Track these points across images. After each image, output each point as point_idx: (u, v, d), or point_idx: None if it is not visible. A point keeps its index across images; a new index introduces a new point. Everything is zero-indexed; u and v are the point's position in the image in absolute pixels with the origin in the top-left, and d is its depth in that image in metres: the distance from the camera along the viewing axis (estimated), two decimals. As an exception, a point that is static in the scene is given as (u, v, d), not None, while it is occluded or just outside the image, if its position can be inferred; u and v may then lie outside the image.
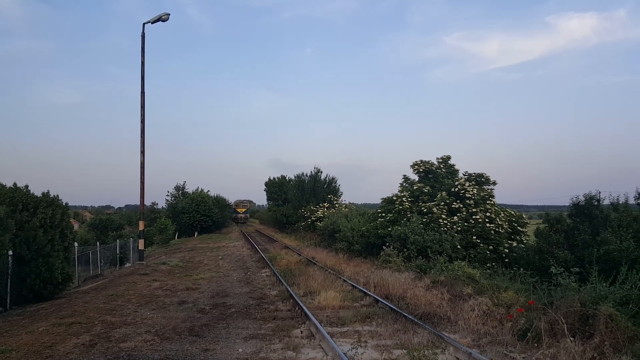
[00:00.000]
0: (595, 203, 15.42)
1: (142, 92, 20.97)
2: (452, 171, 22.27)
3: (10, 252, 11.78)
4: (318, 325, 7.82)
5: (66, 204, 16.51)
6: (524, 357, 6.48)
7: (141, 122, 20.88)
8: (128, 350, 6.97)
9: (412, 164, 22.58)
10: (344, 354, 6.25)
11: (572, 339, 6.55)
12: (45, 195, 15.09)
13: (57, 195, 15.60)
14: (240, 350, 6.99)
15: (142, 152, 20.94)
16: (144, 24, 20.93)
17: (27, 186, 14.38)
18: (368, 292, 11.19)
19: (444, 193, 19.65)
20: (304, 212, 39.05)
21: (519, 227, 19.64)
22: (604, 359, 6.08)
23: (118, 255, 27.14)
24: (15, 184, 14.13)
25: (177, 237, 46.43)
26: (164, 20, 20.81)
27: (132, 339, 7.59)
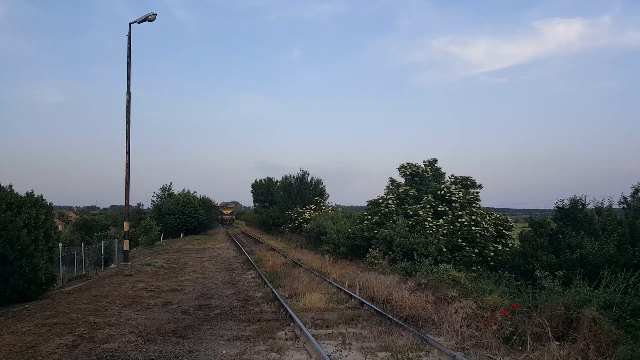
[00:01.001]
0: (580, 207, 15.65)
1: (128, 92, 20.80)
2: (438, 174, 22.44)
3: (-7, 252, 11.59)
4: (302, 327, 7.81)
5: (50, 204, 16.32)
6: (507, 360, 6.53)
7: (127, 122, 20.70)
8: (111, 351, 6.89)
9: (398, 166, 22.73)
10: (328, 356, 6.25)
11: (557, 342, 6.62)
12: (29, 195, 14.89)
13: (41, 195, 15.42)
14: (224, 351, 6.96)
15: (128, 153, 20.76)
16: (130, 23, 20.78)
17: (10, 186, 14.18)
18: (353, 295, 11.21)
19: (430, 196, 19.80)
20: (290, 214, 39.00)
21: (504, 231, 19.86)
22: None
23: (103, 256, 26.79)
24: (-2, 184, 13.91)
25: (163, 239, 46.03)
26: (150, 20, 20.66)
27: (116, 340, 7.52)
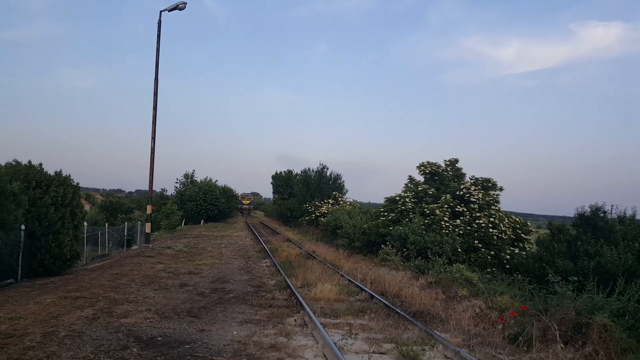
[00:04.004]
0: (601, 215, 15.39)
1: (156, 79, 21.27)
2: (458, 174, 22.31)
3: (23, 227, 12.18)
4: (311, 315, 8.01)
5: (77, 184, 16.87)
6: None
7: (153, 108, 21.21)
8: (128, 326, 7.24)
9: (418, 164, 22.68)
10: (335, 343, 6.43)
11: (562, 345, 6.64)
12: (58, 174, 15.44)
13: (69, 175, 15.97)
14: (234, 332, 7.22)
15: (153, 138, 21.30)
16: (161, 11, 21.23)
17: (40, 164, 14.74)
18: (364, 288, 11.36)
19: (448, 196, 19.72)
20: (308, 207, 39.26)
21: (522, 235, 19.64)
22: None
23: (125, 237, 27.63)
24: (29, 162, 14.50)
25: (184, 224, 46.97)
26: (180, 9, 21.06)
27: (133, 316, 7.86)
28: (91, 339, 6.45)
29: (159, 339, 6.66)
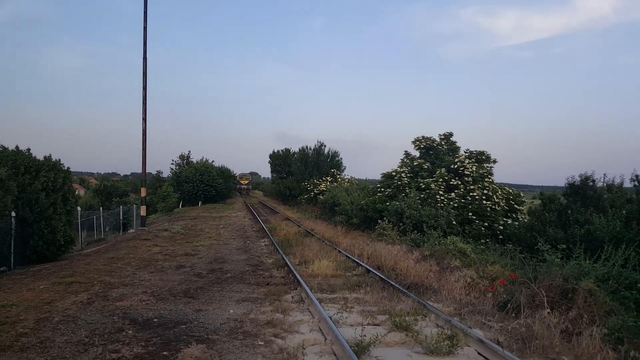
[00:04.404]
0: (590, 183, 15.50)
1: (145, 58, 20.94)
2: (453, 148, 22.34)
3: (13, 214, 12.11)
4: (308, 291, 8.13)
5: (68, 168, 16.76)
6: (500, 326, 6.74)
7: (143, 88, 20.95)
8: (124, 309, 7.31)
9: (413, 140, 22.67)
10: (330, 317, 6.54)
11: (549, 311, 6.80)
12: (47, 159, 15.31)
13: (59, 160, 15.83)
14: (231, 311, 7.33)
15: (144, 119, 21.11)
16: (146, -14, 20.69)
17: (29, 149, 14.60)
18: (361, 263, 11.50)
19: (443, 170, 19.78)
20: (306, 185, 39.32)
21: (516, 205, 19.82)
22: (577, 330, 6.31)
23: (121, 221, 27.70)
24: (17, 147, 14.33)
25: (181, 206, 47.04)
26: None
27: (129, 299, 7.93)
28: (86, 323, 6.51)
29: (155, 320, 6.75)
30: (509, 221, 18.26)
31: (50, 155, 15.42)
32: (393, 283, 9.02)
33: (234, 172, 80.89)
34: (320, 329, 6.36)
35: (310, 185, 38.53)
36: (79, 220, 21.10)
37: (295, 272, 10.04)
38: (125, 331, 6.21)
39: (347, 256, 12.78)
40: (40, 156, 14.94)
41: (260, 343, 5.79)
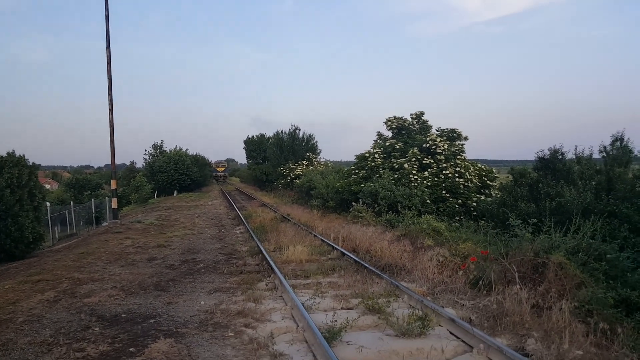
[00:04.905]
0: (560, 156, 15.76)
1: (108, 47, 20.22)
2: (425, 127, 22.40)
3: (-23, 213, 11.70)
4: (281, 277, 8.04)
5: (33, 163, 16.26)
6: (472, 304, 6.80)
7: (108, 79, 20.27)
8: (91, 305, 7.11)
9: (385, 120, 22.63)
10: (302, 304, 6.48)
11: (520, 286, 6.88)
12: (11, 155, 14.84)
13: (23, 155, 15.36)
14: (202, 302, 7.20)
15: (111, 110, 20.48)
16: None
17: (-8, 147, 14.13)
18: (336, 246, 11.47)
19: (415, 149, 19.85)
20: (282, 170, 39.07)
21: (488, 182, 20.08)
22: (547, 304, 6.39)
23: (94, 215, 27.08)
24: (-21, 146, 13.86)
25: (156, 197, 46.24)
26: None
27: (97, 294, 7.72)
28: (51, 322, 6.31)
29: (123, 315, 6.57)
30: (482, 197, 18.50)
31: (13, 151, 14.94)
32: (367, 265, 9.02)
33: (210, 160, 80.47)
34: (293, 316, 6.30)
35: (286, 170, 38.31)
36: (49, 216, 20.52)
37: (269, 258, 9.94)
38: (92, 328, 6.04)
39: (322, 240, 12.73)
40: (13, 153, 14.50)
41: (231, 334, 5.70)
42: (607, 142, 19.12)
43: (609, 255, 7.79)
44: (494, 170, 21.20)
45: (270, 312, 6.58)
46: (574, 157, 15.81)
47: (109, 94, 20.32)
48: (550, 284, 7.05)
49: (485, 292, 7.16)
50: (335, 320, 5.57)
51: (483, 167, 20.66)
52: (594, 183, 13.59)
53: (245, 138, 65.77)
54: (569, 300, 6.34)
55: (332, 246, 11.67)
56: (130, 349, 5.27)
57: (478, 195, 18.67)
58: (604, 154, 14.78)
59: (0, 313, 6.77)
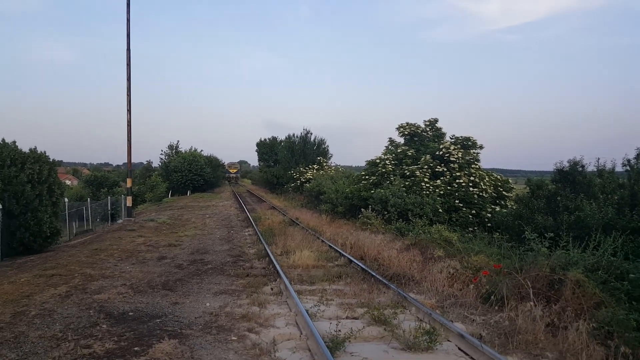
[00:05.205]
0: (580, 169, 15.39)
1: (128, 49, 20.62)
2: (438, 134, 22.22)
3: (0, 206, 12.00)
4: (287, 282, 8.01)
5: (53, 160, 16.57)
6: (483, 319, 6.62)
7: (127, 79, 20.63)
8: (101, 302, 7.18)
9: (397, 126, 22.50)
10: (307, 310, 6.44)
11: (531, 303, 6.67)
12: (33, 151, 15.17)
13: (45, 152, 15.70)
14: (207, 304, 7.21)
15: (129, 111, 20.81)
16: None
17: (14, 142, 14.54)
18: (343, 253, 11.39)
19: (428, 156, 19.67)
20: (293, 173, 39.12)
21: (504, 192, 19.79)
22: (563, 324, 6.15)
23: (109, 212, 27.44)
24: (3, 140, 14.29)
25: (170, 196, 46.73)
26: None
27: (107, 291, 7.80)
28: (61, 317, 6.40)
29: (130, 314, 6.62)
30: (497, 208, 18.23)
31: (35, 148, 15.29)
32: (374, 274, 8.92)
33: (223, 161, 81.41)
34: (297, 323, 6.26)
35: (296, 174, 38.35)
36: (67, 212, 20.87)
37: (276, 262, 9.93)
38: (100, 325, 6.10)
39: (329, 246, 12.67)
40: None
41: (234, 338, 5.68)
42: (632, 155, 18.61)
43: (632, 275, 7.33)
44: (510, 181, 20.89)
45: (274, 317, 6.55)
46: (595, 170, 15.40)
47: (127, 94, 20.65)
48: (566, 302, 6.75)
49: (497, 307, 6.98)
50: (340, 330, 5.51)
51: (499, 177, 20.37)
52: (616, 197, 13.21)
53: (258, 140, 66.12)
54: (587, 320, 6.00)
55: (340, 252, 11.61)
56: (135, 348, 5.29)
57: (493, 206, 18.40)
58: (628, 168, 14.30)
59: (15, 306, 6.89)
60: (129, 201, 21.15)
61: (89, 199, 27.81)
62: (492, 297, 7.29)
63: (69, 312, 6.61)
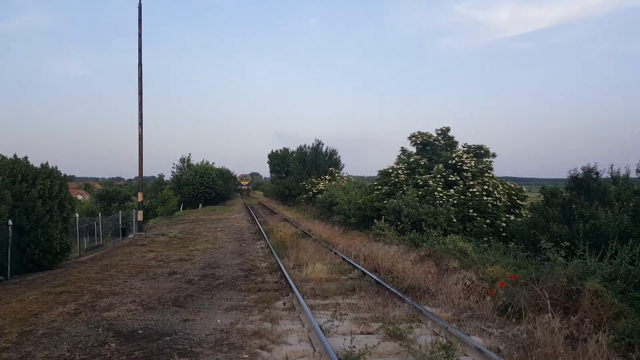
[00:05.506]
0: (594, 176, 15.11)
1: (140, 64, 20.82)
2: (451, 143, 22.00)
3: (10, 222, 12.01)
4: (299, 297, 7.84)
5: (65, 175, 16.65)
6: (500, 332, 6.44)
7: (139, 94, 20.80)
8: (110, 320, 7.07)
9: (409, 135, 22.34)
10: (320, 326, 6.27)
11: (551, 314, 6.47)
12: (44, 166, 15.24)
13: (56, 167, 15.78)
14: (218, 321, 7.06)
15: (140, 124, 20.94)
16: (139, -5, 20.59)
17: (26, 157, 14.60)
18: (357, 265, 11.19)
19: (440, 165, 19.44)
20: (305, 184, 39.03)
21: (518, 201, 19.46)
22: (583, 335, 5.97)
23: (120, 227, 27.54)
24: (15, 156, 14.35)
25: (182, 209, 46.86)
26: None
27: (116, 309, 7.70)
28: (70, 336, 6.30)
29: (140, 332, 6.49)
30: (512, 217, 17.89)
31: (47, 163, 15.39)
32: (389, 287, 8.71)
33: (235, 173, 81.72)
34: (310, 339, 6.09)
35: (308, 185, 38.25)
36: (77, 227, 20.96)
37: (288, 276, 9.76)
38: (109, 344, 5.98)
39: (342, 258, 12.47)
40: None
41: (245, 356, 5.52)
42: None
43: (651, 284, 7.26)
44: (524, 189, 20.55)
45: (286, 333, 6.39)
46: (610, 176, 15.13)
47: (139, 108, 20.81)
48: (585, 313, 6.59)
49: (514, 319, 6.78)
50: (354, 346, 5.33)
51: (512, 185, 20.05)
52: (632, 204, 12.94)
53: (270, 152, 66.34)
54: (607, 331, 5.89)
55: (353, 265, 11.40)
56: (144, 369, 5.16)
57: (507, 215, 18.07)
58: (643, 174, 14.03)
59: (23, 325, 6.82)
60: (140, 215, 21.19)
61: (100, 213, 27.97)
62: (510, 309, 7.09)
63: (77, 331, 6.51)
